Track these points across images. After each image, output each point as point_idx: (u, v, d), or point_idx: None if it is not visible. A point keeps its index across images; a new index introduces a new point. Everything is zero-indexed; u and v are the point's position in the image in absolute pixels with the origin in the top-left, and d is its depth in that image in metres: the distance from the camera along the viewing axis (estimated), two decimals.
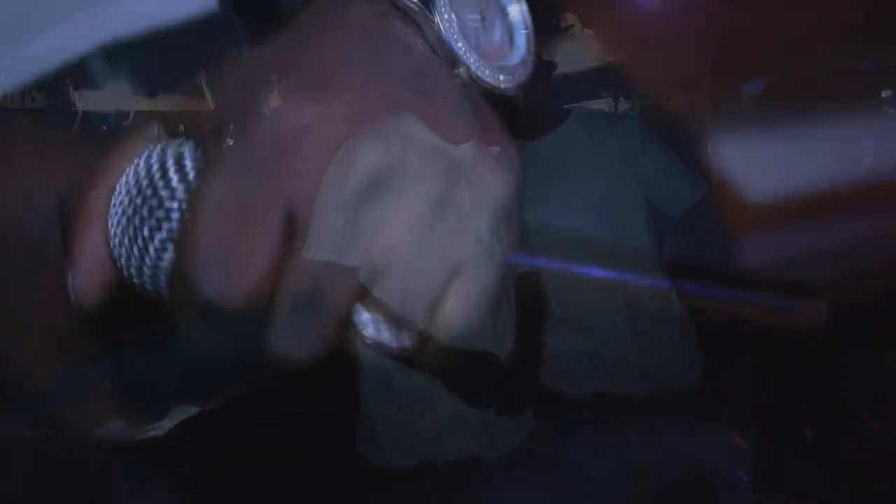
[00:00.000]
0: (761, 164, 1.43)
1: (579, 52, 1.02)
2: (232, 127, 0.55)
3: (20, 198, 0.69)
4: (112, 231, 0.57)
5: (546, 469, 0.79)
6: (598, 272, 0.66)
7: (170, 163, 0.57)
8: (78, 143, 0.71)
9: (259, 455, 0.76)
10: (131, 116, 0.59)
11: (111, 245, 0.57)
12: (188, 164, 0.57)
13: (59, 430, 0.72)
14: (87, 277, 0.58)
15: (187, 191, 0.56)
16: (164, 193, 0.56)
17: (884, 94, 1.48)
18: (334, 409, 0.76)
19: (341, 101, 0.55)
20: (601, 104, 1.08)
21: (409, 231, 0.55)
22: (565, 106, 0.89)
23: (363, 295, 0.56)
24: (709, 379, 0.85)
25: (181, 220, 0.56)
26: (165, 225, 0.56)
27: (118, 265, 0.58)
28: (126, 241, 0.57)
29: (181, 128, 0.57)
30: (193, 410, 0.73)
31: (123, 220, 0.57)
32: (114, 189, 0.58)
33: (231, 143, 0.55)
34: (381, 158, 0.55)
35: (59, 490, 0.72)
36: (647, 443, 0.81)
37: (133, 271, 0.57)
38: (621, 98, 1.12)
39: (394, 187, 0.55)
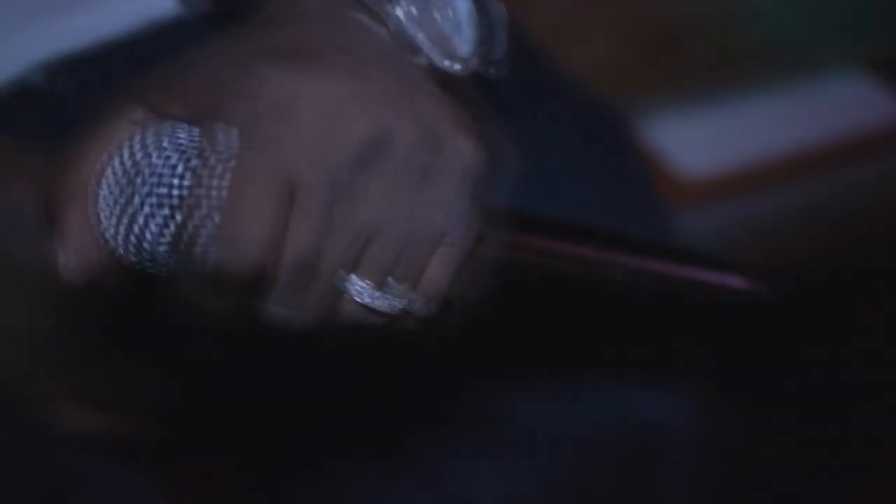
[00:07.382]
0: (693, 137, 1.46)
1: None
2: (225, 102, 0.58)
3: None
4: (105, 213, 0.59)
5: (496, 428, 0.81)
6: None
7: (166, 142, 0.59)
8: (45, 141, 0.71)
9: (253, 425, 0.78)
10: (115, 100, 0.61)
11: (103, 228, 0.59)
12: (184, 141, 0.59)
13: (39, 427, 0.73)
14: (78, 261, 0.60)
15: (186, 168, 0.58)
16: (164, 171, 0.59)
17: (812, 68, 1.51)
18: (329, 375, 0.78)
19: (324, 75, 0.59)
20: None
21: (398, 198, 0.59)
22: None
23: (354, 262, 0.59)
24: (646, 345, 0.87)
25: (183, 196, 0.58)
26: (167, 202, 0.59)
27: (112, 246, 0.60)
28: (125, 220, 0.59)
29: (171, 108, 0.60)
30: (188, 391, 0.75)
31: (121, 201, 0.59)
32: (99, 173, 0.59)
33: (227, 117, 0.58)
34: (371, 128, 0.58)
35: (33, 486, 0.73)
36: (592, 402, 0.83)
37: (131, 249, 0.60)
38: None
39: (383, 155, 0.58)
